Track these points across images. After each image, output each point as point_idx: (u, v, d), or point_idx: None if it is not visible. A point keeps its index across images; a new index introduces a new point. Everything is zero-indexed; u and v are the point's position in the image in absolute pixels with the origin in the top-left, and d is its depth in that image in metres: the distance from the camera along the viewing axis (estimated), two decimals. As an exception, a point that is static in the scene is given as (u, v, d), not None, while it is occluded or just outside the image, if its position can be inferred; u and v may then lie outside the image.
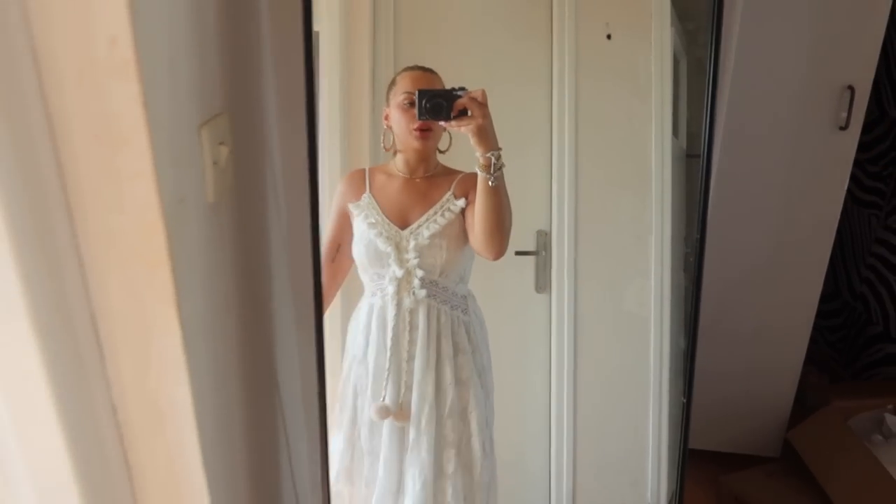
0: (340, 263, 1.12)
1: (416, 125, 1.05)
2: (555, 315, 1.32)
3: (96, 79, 0.64)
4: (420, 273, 1.07)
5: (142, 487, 0.82)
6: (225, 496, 0.89)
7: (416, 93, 1.02)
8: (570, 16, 1.25)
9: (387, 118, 1.10)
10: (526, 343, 1.37)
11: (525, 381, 1.39)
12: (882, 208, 2.21)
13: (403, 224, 1.08)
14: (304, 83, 0.94)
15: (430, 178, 1.11)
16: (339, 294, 1.22)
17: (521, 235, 1.26)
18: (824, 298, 2.50)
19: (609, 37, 1.24)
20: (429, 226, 1.08)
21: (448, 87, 1.07)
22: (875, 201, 2.24)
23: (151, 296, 0.73)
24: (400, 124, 1.07)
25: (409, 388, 1.09)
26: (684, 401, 1.13)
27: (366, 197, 1.09)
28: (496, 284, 1.26)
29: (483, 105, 1.01)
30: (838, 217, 1.82)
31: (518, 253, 1.28)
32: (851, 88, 1.68)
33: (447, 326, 1.10)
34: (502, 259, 1.16)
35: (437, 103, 1.01)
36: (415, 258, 1.07)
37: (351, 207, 1.08)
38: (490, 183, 1.01)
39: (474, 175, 1.05)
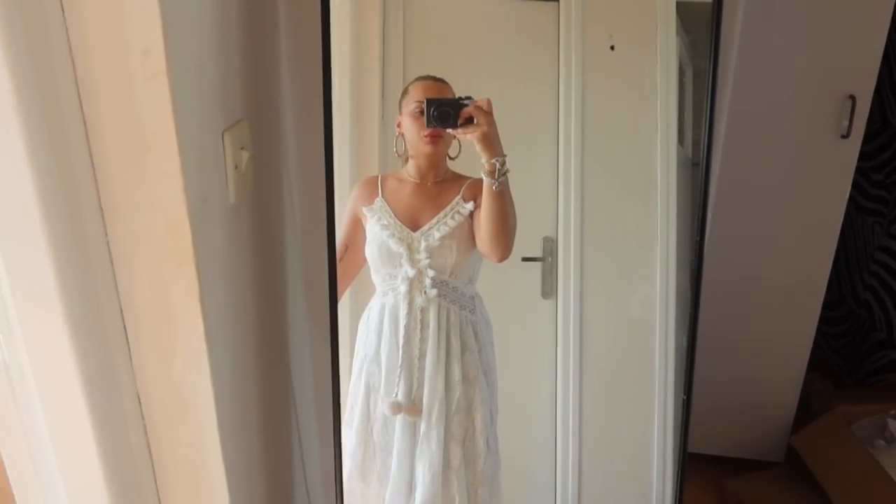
0: (347, 265, 1.16)
1: (426, 132, 1.09)
2: (561, 320, 1.34)
3: (130, 87, 0.69)
4: (431, 273, 1.11)
5: (163, 473, 0.86)
6: (242, 484, 0.93)
7: (425, 101, 1.07)
8: (576, 25, 1.27)
9: (399, 125, 1.14)
10: (532, 348, 1.38)
11: (531, 386, 1.39)
12: (885, 216, 2.24)
13: (415, 226, 1.12)
14: (322, 92, 0.98)
15: (440, 183, 1.14)
16: (348, 297, 1.26)
17: (528, 242, 1.26)
18: (828, 305, 2.52)
19: (612, 48, 1.27)
20: (439, 227, 1.12)
21: (457, 95, 1.11)
22: (878, 209, 2.26)
23: (177, 291, 0.78)
24: (411, 131, 1.12)
25: (420, 385, 1.13)
26: (684, 398, 1.16)
27: (378, 201, 1.13)
28: (503, 290, 1.27)
29: (488, 113, 1.05)
30: (840, 224, 1.84)
31: (524, 259, 1.28)
32: (853, 98, 1.71)
33: (456, 325, 1.13)
34: (509, 265, 1.19)
35: (444, 111, 1.05)
36: (426, 258, 1.11)
37: (364, 211, 1.12)
38: (494, 188, 1.06)
39: (482, 180, 1.09)
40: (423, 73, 1.17)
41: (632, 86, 1.30)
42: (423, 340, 1.11)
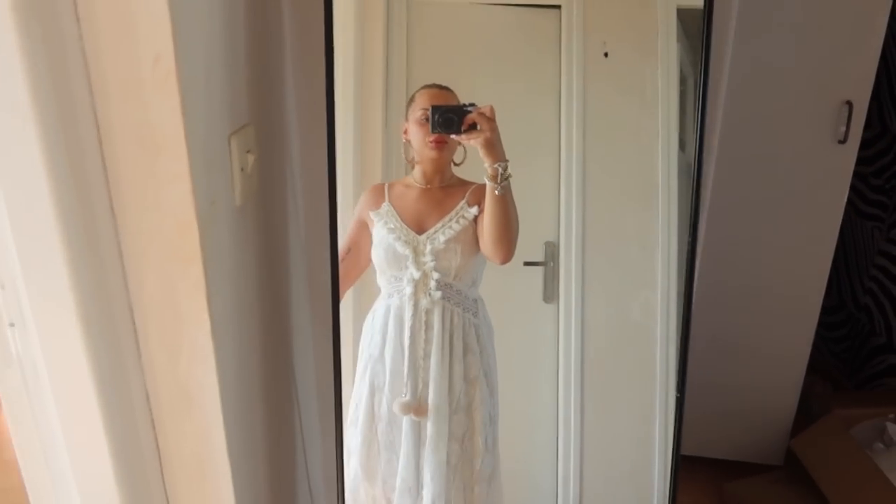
0: (349, 267, 1.18)
1: (431, 138, 1.12)
2: (562, 325, 1.35)
3: (141, 92, 0.71)
4: (436, 275, 1.13)
5: (170, 466, 0.88)
6: (246, 478, 0.95)
7: (430, 108, 1.10)
8: (577, 31, 1.28)
9: (406, 132, 1.17)
10: (534, 352, 1.38)
11: (533, 390, 1.39)
12: (885, 221, 2.25)
13: (420, 230, 1.15)
14: (325, 98, 1.01)
15: (445, 188, 1.17)
16: (351, 299, 1.27)
17: (530, 246, 1.27)
18: (828, 310, 2.53)
19: (606, 55, 1.28)
20: (444, 231, 1.14)
21: (462, 101, 1.14)
22: (878, 214, 2.28)
23: (185, 289, 0.80)
24: (417, 137, 1.14)
25: (425, 385, 1.15)
26: (678, 395, 1.18)
27: (385, 205, 1.16)
28: (505, 294, 1.28)
29: (491, 120, 1.08)
30: (838, 229, 1.85)
31: (526, 263, 1.29)
32: (850, 104, 1.73)
33: (459, 327, 1.16)
34: (511, 269, 1.21)
35: (448, 118, 1.09)
36: (431, 261, 1.13)
37: (372, 215, 1.15)
38: (497, 192, 1.08)
39: (486, 185, 1.11)
40: (426, 80, 1.19)
41: (633, 91, 1.31)
42: (427, 341, 1.14)
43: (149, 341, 0.83)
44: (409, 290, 1.13)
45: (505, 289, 1.26)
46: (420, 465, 1.16)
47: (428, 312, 1.13)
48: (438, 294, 1.13)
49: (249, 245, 0.96)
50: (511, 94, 1.30)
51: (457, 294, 1.14)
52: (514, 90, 1.31)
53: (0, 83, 0.65)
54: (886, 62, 2.17)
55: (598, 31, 1.29)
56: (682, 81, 1.36)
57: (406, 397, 1.13)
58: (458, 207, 1.14)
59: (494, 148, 1.08)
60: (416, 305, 1.13)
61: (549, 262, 1.30)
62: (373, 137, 1.24)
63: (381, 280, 1.16)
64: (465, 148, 1.13)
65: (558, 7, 1.28)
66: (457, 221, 1.14)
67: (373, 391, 1.16)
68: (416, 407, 1.14)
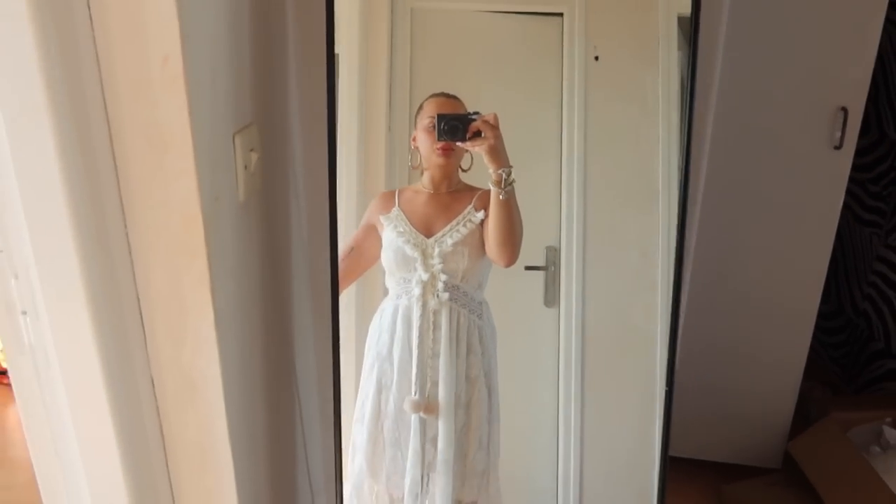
0: (350, 265, 1.21)
1: (438, 145, 1.16)
2: (563, 329, 1.37)
3: (150, 91, 0.75)
4: (444, 277, 1.16)
5: (174, 453, 0.91)
6: (246, 466, 0.98)
7: (436, 116, 1.13)
8: (579, 39, 1.30)
9: (414, 140, 1.20)
10: (535, 355, 1.39)
11: (534, 393, 1.40)
12: (882, 227, 2.27)
13: (429, 233, 1.18)
14: (326, 101, 1.05)
15: (453, 193, 1.20)
16: (353, 299, 1.30)
17: (531, 251, 1.28)
18: (827, 315, 2.54)
19: (597, 58, 1.31)
20: (452, 234, 1.18)
21: (467, 108, 1.17)
22: (876, 220, 2.30)
23: (189, 282, 0.84)
24: (425, 144, 1.18)
25: (434, 384, 1.18)
26: (667, 389, 1.20)
27: (395, 210, 1.19)
28: (507, 298, 1.30)
29: (495, 127, 1.12)
30: (835, 234, 1.87)
31: (528, 268, 1.31)
32: (845, 110, 1.75)
33: (464, 328, 1.19)
34: (512, 273, 1.23)
35: (453, 126, 1.12)
36: (439, 263, 1.16)
37: (382, 219, 1.19)
38: (501, 197, 1.12)
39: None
40: (430, 86, 1.22)
41: (634, 98, 1.32)
42: (435, 341, 1.17)
43: (155, 331, 0.86)
44: (417, 291, 1.16)
45: (506, 293, 1.28)
46: (427, 461, 1.19)
47: (436, 313, 1.16)
48: (446, 295, 1.16)
49: (252, 241, 0.99)
50: (513, 101, 1.32)
51: (463, 296, 1.17)
52: (516, 96, 1.33)
53: (18, 83, 0.69)
54: (884, 69, 2.19)
55: (600, 39, 1.30)
56: (683, 88, 1.38)
57: (415, 396, 1.16)
58: (466, 212, 1.18)
59: (498, 154, 1.11)
60: (424, 306, 1.16)
61: (550, 267, 1.32)
62: (376, 141, 1.27)
63: (390, 281, 1.19)
64: (471, 154, 1.17)
65: (560, 15, 1.30)
66: (464, 225, 1.17)
67: (379, 389, 1.19)
68: (426, 405, 1.17)
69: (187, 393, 0.89)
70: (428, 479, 1.21)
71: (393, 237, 1.16)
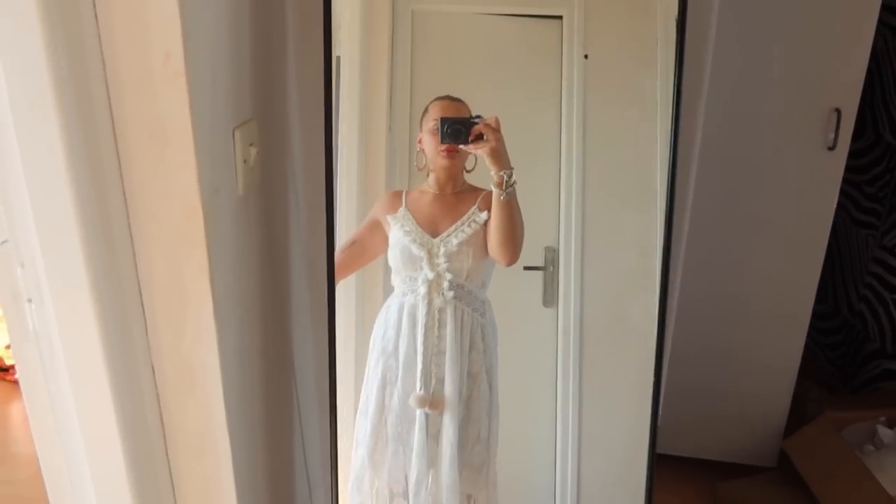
0: (350, 256, 1.24)
1: (442, 148, 1.18)
2: (561, 328, 1.38)
3: (152, 86, 0.78)
4: (449, 276, 1.19)
5: (173, 438, 0.94)
6: (244, 452, 1.00)
7: (439, 120, 1.16)
8: (578, 41, 1.31)
9: (420, 142, 1.23)
10: (533, 355, 1.41)
11: (532, 392, 1.42)
12: (878, 228, 2.28)
13: (434, 233, 1.21)
14: (323, 99, 1.07)
15: (458, 194, 1.23)
16: (354, 297, 1.32)
17: (530, 251, 1.29)
18: (824, 316, 2.56)
19: (586, 56, 1.32)
20: (457, 234, 1.20)
21: (472, 112, 1.20)
22: (872, 222, 2.31)
23: (189, 271, 0.86)
24: (430, 146, 1.21)
25: (440, 380, 1.21)
26: (654, 379, 1.22)
27: (402, 210, 1.22)
28: (505, 298, 1.31)
29: (496, 130, 1.15)
30: (828, 234, 1.88)
31: (526, 268, 1.32)
32: (838, 111, 1.77)
33: (468, 326, 1.21)
34: (511, 273, 1.25)
35: (456, 129, 1.15)
36: (444, 262, 1.19)
37: (389, 219, 1.22)
38: (502, 198, 1.14)
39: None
40: (430, 87, 1.24)
41: (632, 100, 1.33)
42: (440, 338, 1.19)
43: (156, 320, 0.88)
44: (423, 289, 1.18)
45: (505, 293, 1.29)
46: (431, 456, 1.22)
47: (441, 311, 1.19)
48: (451, 294, 1.18)
49: (251, 233, 1.02)
50: (513, 102, 1.33)
51: (468, 294, 1.20)
52: (516, 97, 1.34)
53: (27, 80, 0.72)
54: (880, 72, 2.21)
55: (598, 41, 1.30)
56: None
57: (420, 391, 1.19)
58: (470, 212, 1.20)
59: (500, 157, 1.14)
60: (429, 304, 1.18)
61: (548, 267, 1.33)
62: (377, 141, 1.29)
63: (396, 280, 1.22)
64: (475, 155, 1.19)
65: (560, 17, 1.31)
66: (468, 225, 1.19)
67: (384, 384, 1.22)
68: (431, 400, 1.19)
69: (187, 380, 0.91)
70: (429, 474, 1.23)
71: (400, 236, 1.19)
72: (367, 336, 1.31)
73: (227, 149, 0.91)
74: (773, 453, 2.11)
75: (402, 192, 1.25)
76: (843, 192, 2.35)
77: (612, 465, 1.48)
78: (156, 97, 0.78)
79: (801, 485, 1.87)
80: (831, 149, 1.81)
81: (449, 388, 1.19)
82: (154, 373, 0.91)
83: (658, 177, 1.38)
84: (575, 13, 1.31)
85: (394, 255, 1.21)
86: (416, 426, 1.20)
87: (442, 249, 1.19)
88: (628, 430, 1.47)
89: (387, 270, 1.28)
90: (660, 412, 1.46)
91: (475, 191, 1.22)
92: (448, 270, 1.18)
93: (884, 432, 1.92)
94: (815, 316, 1.98)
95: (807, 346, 2.02)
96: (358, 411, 1.25)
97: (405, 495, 1.25)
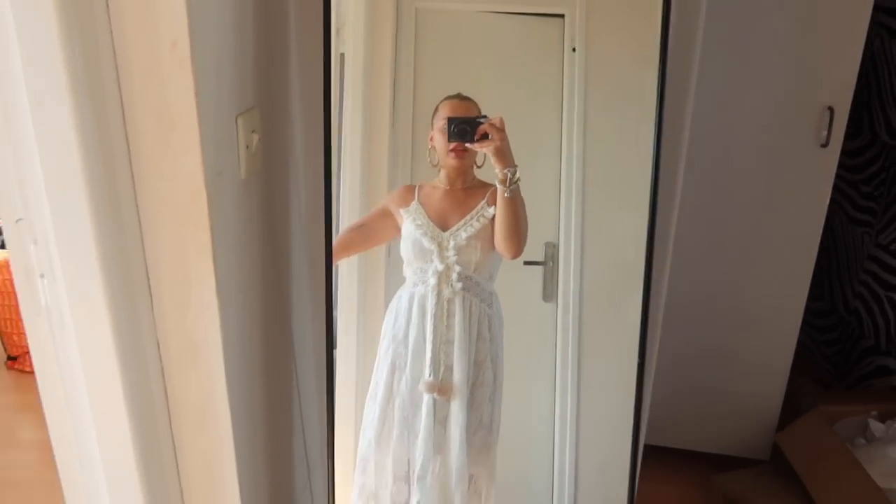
0: (351, 238, 1.29)
1: (450, 146, 1.23)
2: (560, 323, 1.40)
3: (159, 73, 0.82)
4: (458, 268, 1.23)
5: (176, 410, 0.98)
6: (244, 426, 1.04)
7: (447, 120, 1.21)
8: (580, 39, 1.33)
9: (431, 139, 1.27)
10: (533, 349, 1.43)
11: (531, 386, 1.44)
12: (874, 226, 2.31)
13: (445, 227, 1.26)
14: (322, 89, 1.12)
15: (467, 189, 1.27)
16: (356, 291, 1.36)
17: (530, 246, 1.31)
18: (820, 314, 2.59)
19: (574, 49, 1.35)
20: (466, 229, 1.24)
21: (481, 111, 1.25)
22: (867, 220, 2.34)
23: (194, 250, 0.91)
24: (440, 144, 1.25)
25: (448, 368, 1.25)
26: (639, 361, 1.25)
27: (414, 204, 1.27)
28: (506, 292, 1.33)
29: (501, 130, 1.19)
30: (821, 231, 1.90)
31: (527, 263, 1.35)
32: (831, 109, 1.80)
33: (476, 316, 1.26)
34: (512, 268, 1.29)
35: (462, 129, 1.20)
36: (454, 255, 1.24)
37: (402, 212, 1.28)
38: (506, 195, 1.19)
39: None
40: (434, 84, 1.27)
41: (633, 97, 1.34)
42: (449, 328, 1.24)
43: (161, 296, 0.93)
44: (433, 281, 1.23)
45: (506, 287, 1.31)
46: (436, 442, 1.26)
47: (450, 302, 1.23)
48: (460, 285, 1.23)
49: (253, 216, 1.06)
50: (515, 99, 1.35)
51: (476, 286, 1.24)
52: (518, 95, 1.37)
53: (43, 66, 0.77)
54: (876, 72, 2.24)
55: (600, 40, 1.32)
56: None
57: (430, 378, 1.23)
58: (479, 207, 1.24)
59: (504, 155, 1.18)
60: (439, 295, 1.23)
61: (548, 262, 1.35)
62: (380, 139, 1.31)
63: (408, 271, 1.27)
64: (485, 153, 1.24)
65: (562, 16, 1.32)
66: (477, 220, 1.23)
67: (393, 370, 1.26)
68: (440, 387, 1.24)
69: (190, 354, 0.95)
70: (436, 459, 1.27)
71: (412, 229, 1.24)
72: (368, 322, 1.35)
73: (231, 134, 0.95)
74: (766, 446, 2.14)
75: (415, 186, 1.29)
76: (839, 191, 2.38)
77: (609, 459, 1.48)
78: (163, 83, 0.83)
79: (794, 477, 1.89)
80: (824, 146, 1.84)
81: (457, 376, 1.24)
82: (159, 347, 0.95)
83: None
84: (577, 12, 1.33)
85: (406, 248, 1.25)
86: (424, 411, 1.25)
87: (451, 243, 1.23)
88: (626, 424, 1.49)
89: (388, 257, 1.33)
90: (649, 404, 1.49)
91: (484, 186, 1.26)
92: (457, 263, 1.23)
93: (875, 426, 1.94)
94: (812, 313, 2.01)
95: (803, 344, 2.05)
96: (368, 395, 1.29)
97: (406, 479, 1.30)
